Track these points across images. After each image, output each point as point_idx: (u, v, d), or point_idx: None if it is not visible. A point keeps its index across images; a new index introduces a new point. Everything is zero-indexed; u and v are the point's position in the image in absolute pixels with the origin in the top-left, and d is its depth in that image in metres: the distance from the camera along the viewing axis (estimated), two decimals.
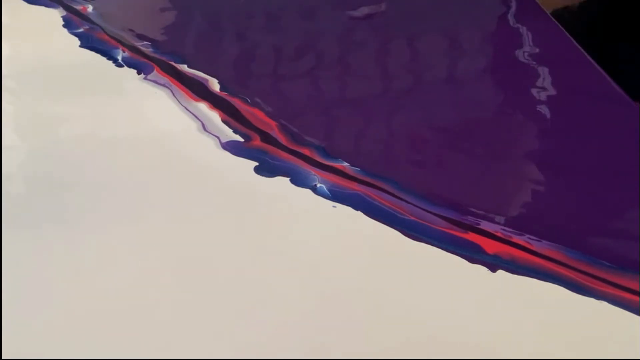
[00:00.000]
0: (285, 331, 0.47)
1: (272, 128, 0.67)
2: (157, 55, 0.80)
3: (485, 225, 0.54)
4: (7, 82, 0.76)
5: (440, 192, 0.58)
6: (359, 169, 0.61)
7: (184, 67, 0.78)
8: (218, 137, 0.66)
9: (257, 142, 0.65)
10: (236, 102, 0.71)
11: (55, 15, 0.90)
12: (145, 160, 0.64)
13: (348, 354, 0.45)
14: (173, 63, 0.78)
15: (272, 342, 0.46)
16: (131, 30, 0.80)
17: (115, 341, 0.46)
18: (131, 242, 0.54)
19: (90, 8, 0.92)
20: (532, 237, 0.53)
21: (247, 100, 0.72)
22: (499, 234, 0.54)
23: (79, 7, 0.92)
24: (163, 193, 0.61)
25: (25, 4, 0.94)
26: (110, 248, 0.54)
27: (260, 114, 0.69)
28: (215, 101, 0.72)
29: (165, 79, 0.75)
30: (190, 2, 0.96)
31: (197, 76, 0.75)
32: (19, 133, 0.69)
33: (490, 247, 0.52)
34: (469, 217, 0.55)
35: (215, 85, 0.74)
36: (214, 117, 0.69)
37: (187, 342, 0.46)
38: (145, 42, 0.83)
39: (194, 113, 0.69)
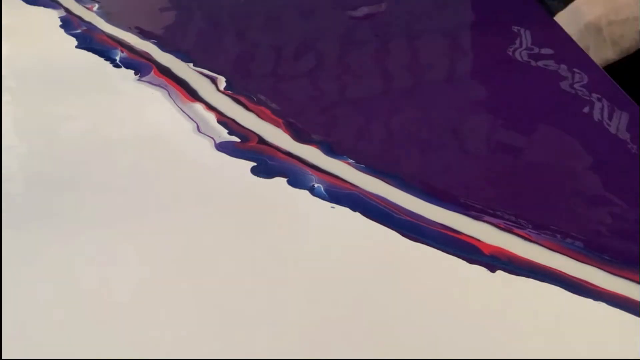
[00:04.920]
0: (282, 331, 0.47)
1: (279, 125, 0.67)
2: (161, 54, 0.80)
3: (487, 218, 0.55)
4: (7, 82, 0.76)
5: (443, 189, 0.58)
6: (363, 165, 0.61)
7: (190, 66, 0.78)
8: (213, 139, 0.66)
9: (253, 143, 0.65)
10: (242, 100, 0.72)
11: (54, 16, 0.90)
12: (145, 161, 0.65)
13: (346, 355, 0.45)
14: (180, 61, 0.78)
15: (270, 342, 0.46)
16: (137, 28, 0.80)
17: (116, 341, 0.46)
18: (130, 242, 0.54)
19: (96, 7, 0.92)
20: (532, 231, 0.53)
21: (253, 99, 0.72)
22: (501, 225, 0.54)
23: (84, 7, 0.92)
24: (162, 193, 0.61)
25: (25, 4, 0.94)
26: (109, 248, 0.54)
27: (267, 112, 0.69)
28: (215, 101, 0.72)
29: (161, 79, 0.75)
30: (196, 1, 0.96)
31: (204, 74, 0.74)
32: (19, 133, 0.69)
33: (487, 247, 0.53)
34: (472, 212, 0.55)
35: (221, 83, 0.74)
36: (211, 118, 0.69)
37: (186, 341, 0.46)
38: (152, 40, 0.83)
39: (190, 114, 0.70)
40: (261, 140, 0.65)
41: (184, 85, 0.74)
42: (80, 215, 0.58)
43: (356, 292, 0.49)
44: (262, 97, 0.72)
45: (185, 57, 0.78)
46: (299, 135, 0.65)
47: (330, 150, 0.63)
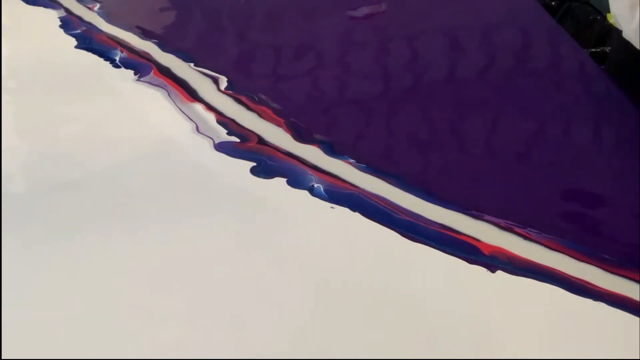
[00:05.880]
0: (282, 331, 0.47)
1: (280, 125, 0.67)
2: (162, 54, 0.80)
3: (487, 218, 0.55)
4: (7, 82, 0.76)
5: (444, 188, 0.58)
6: (364, 165, 0.61)
7: (191, 66, 0.78)
8: (212, 139, 0.66)
9: (253, 143, 0.65)
10: (243, 100, 0.72)
11: (54, 16, 0.90)
12: (144, 160, 0.65)
13: (346, 354, 0.45)
14: (180, 61, 0.78)
15: (270, 342, 0.46)
16: (138, 28, 0.80)
17: (115, 341, 0.46)
18: (129, 241, 0.54)
19: (97, 7, 0.92)
20: (532, 230, 0.53)
21: (254, 98, 0.72)
22: (501, 225, 0.54)
23: (86, 6, 0.92)
24: (161, 193, 0.61)
25: (25, 4, 0.94)
26: (108, 247, 0.54)
27: (269, 112, 0.69)
28: (216, 101, 0.72)
29: (160, 80, 0.75)
30: (197, 1, 0.96)
31: (205, 74, 0.75)
32: (19, 133, 0.69)
33: (487, 247, 0.53)
34: (473, 211, 0.56)
35: (223, 83, 0.74)
36: (210, 118, 0.69)
37: (185, 341, 0.46)
38: (153, 40, 0.83)
39: (190, 114, 0.70)
40: (261, 141, 0.65)
41: (184, 86, 0.74)
42: (80, 215, 0.58)
43: (356, 292, 0.50)
44: (263, 97, 0.72)
45: (186, 57, 0.78)
46: (301, 135, 0.66)
47: (332, 150, 0.63)
